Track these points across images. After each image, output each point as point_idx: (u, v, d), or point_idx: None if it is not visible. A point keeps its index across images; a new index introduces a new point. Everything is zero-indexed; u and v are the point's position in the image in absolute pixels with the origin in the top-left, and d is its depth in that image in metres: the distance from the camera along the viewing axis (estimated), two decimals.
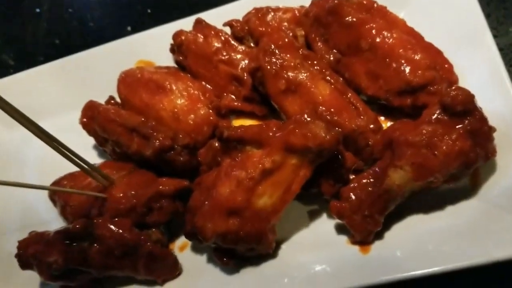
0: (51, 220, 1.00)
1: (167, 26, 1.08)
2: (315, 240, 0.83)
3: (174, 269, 0.86)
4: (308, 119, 0.78)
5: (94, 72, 1.11)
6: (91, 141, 1.05)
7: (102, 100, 1.05)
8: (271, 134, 0.79)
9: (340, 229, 0.83)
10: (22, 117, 0.72)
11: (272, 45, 0.89)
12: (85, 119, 0.99)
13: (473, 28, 0.86)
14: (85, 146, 1.07)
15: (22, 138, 1.12)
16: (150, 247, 0.83)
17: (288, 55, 0.88)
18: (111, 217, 0.86)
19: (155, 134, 0.88)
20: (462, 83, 0.86)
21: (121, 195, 0.88)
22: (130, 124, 0.91)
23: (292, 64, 0.87)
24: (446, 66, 0.86)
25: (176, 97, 0.96)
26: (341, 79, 0.88)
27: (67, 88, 1.13)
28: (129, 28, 1.27)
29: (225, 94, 0.97)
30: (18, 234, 0.98)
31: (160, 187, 0.87)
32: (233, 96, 0.97)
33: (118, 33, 1.25)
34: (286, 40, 0.89)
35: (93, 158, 1.06)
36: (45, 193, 1.00)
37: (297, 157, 0.77)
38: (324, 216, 0.86)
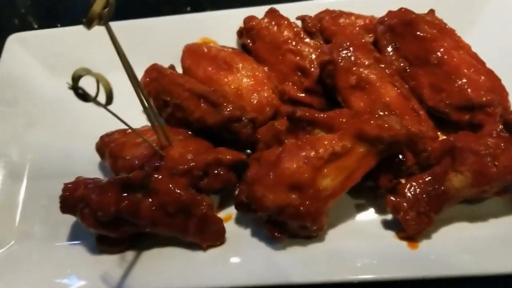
0: (90, 172, 0.99)
1: (236, 11, 1.12)
2: (362, 231, 0.86)
3: (221, 236, 0.87)
4: (382, 113, 0.83)
5: (156, 40, 1.14)
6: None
7: None
8: (344, 120, 0.83)
9: (386, 224, 0.87)
10: (120, 49, 0.73)
11: (348, 42, 0.94)
12: (148, 79, 1.01)
13: None
14: (137, 107, 1.08)
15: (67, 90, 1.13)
16: (204, 209, 0.84)
17: (361, 54, 0.93)
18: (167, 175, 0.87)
19: (225, 103, 0.90)
20: None
21: (180, 156, 0.89)
22: (200, 90, 0.93)
23: (365, 62, 0.92)
24: (504, 93, 0.93)
25: (242, 76, 0.99)
26: (406, 86, 0.93)
27: (128, 49, 1.14)
28: (188, 8, 1.30)
29: (287, 82, 1.01)
30: (58, 180, 0.98)
31: (219, 155, 0.89)
32: (294, 86, 1.01)
33: (177, 10, 1.29)
34: (362, 40, 0.95)
35: (142, 121, 1.07)
36: (90, 144, 1.00)
37: (367, 146, 0.81)
38: (371, 210, 0.89)
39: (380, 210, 0.88)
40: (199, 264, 0.85)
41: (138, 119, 1.05)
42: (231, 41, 1.12)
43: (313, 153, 0.81)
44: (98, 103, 0.63)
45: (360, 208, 0.89)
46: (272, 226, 0.84)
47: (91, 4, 0.62)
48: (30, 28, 1.34)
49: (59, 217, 0.91)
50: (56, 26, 1.32)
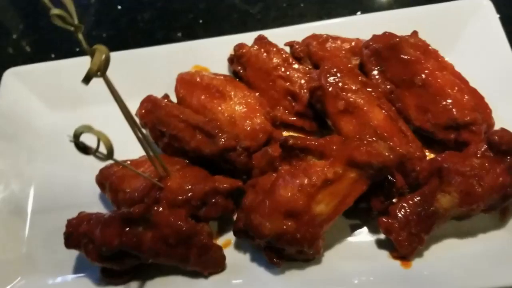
0: (91, 204, 1.03)
1: (226, 38, 1.15)
2: (357, 252, 0.90)
3: (221, 263, 0.90)
4: (370, 139, 0.87)
5: (149, 70, 1.16)
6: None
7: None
8: (334, 147, 0.86)
9: (380, 244, 0.90)
10: (116, 94, 0.76)
11: (335, 68, 0.97)
12: (143, 111, 1.03)
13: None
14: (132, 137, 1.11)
15: (66, 122, 1.16)
16: (204, 239, 0.87)
17: (348, 79, 0.96)
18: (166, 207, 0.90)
19: (219, 133, 0.93)
20: (497, 126, 0.96)
21: (178, 186, 0.93)
22: (195, 121, 0.96)
23: (352, 87, 0.95)
24: (487, 110, 0.96)
25: (235, 103, 1.02)
26: (393, 108, 0.97)
27: (121, 80, 1.17)
28: (179, 34, 1.33)
29: (278, 107, 1.04)
30: (60, 213, 1.01)
31: (217, 183, 0.92)
32: (285, 110, 1.04)
33: (169, 37, 1.32)
34: (348, 66, 0.98)
35: (139, 150, 1.10)
36: (90, 176, 1.03)
37: (357, 171, 0.84)
38: (365, 230, 0.93)
39: (373, 230, 0.92)
40: None
41: (137, 148, 1.08)
42: (222, 67, 1.15)
43: (306, 180, 0.84)
44: (99, 157, 0.66)
45: (355, 228, 0.93)
46: (270, 252, 0.87)
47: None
48: (24, 57, 1.36)
49: (64, 250, 0.94)
50: (50, 56, 1.35)
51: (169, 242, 0.87)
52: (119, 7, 1.41)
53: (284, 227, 0.84)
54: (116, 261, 0.89)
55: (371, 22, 1.11)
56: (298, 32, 1.11)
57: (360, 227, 0.93)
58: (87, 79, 0.64)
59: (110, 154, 0.66)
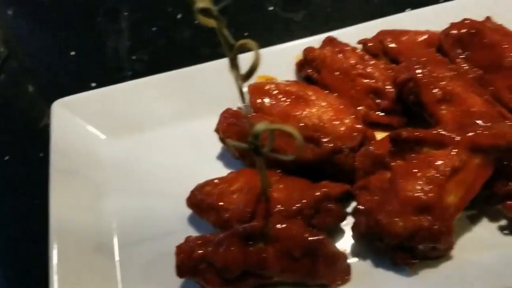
0: (180, 230, 0.94)
1: (286, 45, 1.13)
2: (484, 241, 0.86)
3: (348, 273, 0.84)
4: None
5: (210, 85, 1.11)
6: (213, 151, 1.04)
7: (218, 112, 1.04)
8: (453, 135, 0.83)
9: (503, 231, 0.87)
10: None
11: (424, 58, 0.95)
12: (225, 124, 0.98)
13: None
14: (208, 155, 1.06)
15: (127, 149, 1.09)
16: (332, 248, 0.82)
17: (440, 68, 0.94)
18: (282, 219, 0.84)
19: (322, 137, 0.89)
20: None
21: (286, 197, 0.87)
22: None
23: (446, 75, 0.94)
24: None
25: (320, 107, 0.98)
26: (487, 92, 0.96)
27: (183, 98, 1.12)
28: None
29: (361, 106, 1.01)
30: (149, 246, 0.94)
31: (327, 189, 0.87)
32: (369, 109, 1.01)
33: (214, 53, 1.27)
34: (435, 55, 0.97)
35: (220, 166, 1.04)
36: (170, 201, 0.97)
37: (482, 156, 0.81)
38: (485, 219, 0.89)
39: (493, 218, 0.89)
40: None
41: (214, 168, 1.03)
42: (287, 74, 1.11)
43: (433, 171, 0.81)
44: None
45: (474, 219, 0.89)
46: (401, 252, 0.83)
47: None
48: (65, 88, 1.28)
49: (163, 285, 0.88)
50: (90, 85, 1.28)
51: (294, 256, 0.81)
52: (154, 28, 1.36)
53: (419, 223, 0.79)
54: (238, 284, 0.81)
55: (434, 13, 1.11)
56: (360, 30, 1.10)
57: (478, 216, 0.90)
58: (249, 75, 0.58)
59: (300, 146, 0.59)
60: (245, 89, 1.03)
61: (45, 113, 1.22)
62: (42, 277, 0.88)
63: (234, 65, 0.61)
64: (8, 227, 1.08)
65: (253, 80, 1.06)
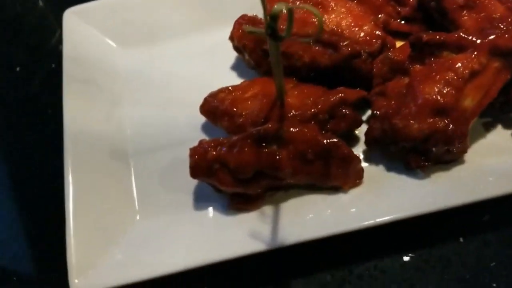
0: (193, 138, 0.93)
1: None
2: (498, 146, 0.86)
3: (361, 175, 0.85)
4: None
5: None
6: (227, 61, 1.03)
7: (232, 21, 1.01)
8: (474, 38, 0.81)
9: None
10: None
11: None
12: (241, 31, 0.96)
13: None
14: (222, 65, 1.05)
15: (141, 60, 1.08)
16: (345, 149, 0.82)
17: None
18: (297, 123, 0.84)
19: (340, 41, 0.87)
20: None
21: (300, 102, 0.87)
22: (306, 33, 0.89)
23: None
24: None
25: (339, 13, 0.95)
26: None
27: (190, 8, 1.09)
28: None
29: (381, 14, 0.98)
30: (163, 153, 0.95)
31: (343, 94, 0.86)
32: (389, 17, 0.98)
33: None
34: None
35: (234, 76, 1.03)
36: (184, 109, 0.98)
37: (501, 60, 0.80)
38: (499, 126, 0.89)
39: (507, 126, 0.88)
40: (344, 206, 0.83)
41: (228, 77, 1.02)
42: None
43: (451, 74, 0.79)
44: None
45: (488, 126, 0.89)
46: (416, 155, 0.83)
47: None
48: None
49: (176, 188, 0.90)
50: None
51: (307, 158, 0.81)
52: None
53: (435, 125, 0.79)
54: (251, 184, 0.82)
55: None
56: None
57: (493, 123, 0.89)
58: None
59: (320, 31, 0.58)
60: None
61: (56, 28, 1.21)
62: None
63: None
64: (22, 139, 1.09)
65: None
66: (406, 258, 0.84)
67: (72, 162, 0.90)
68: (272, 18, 0.57)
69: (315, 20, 0.95)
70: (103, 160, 0.93)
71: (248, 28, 0.67)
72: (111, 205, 0.88)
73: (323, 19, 0.95)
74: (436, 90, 0.79)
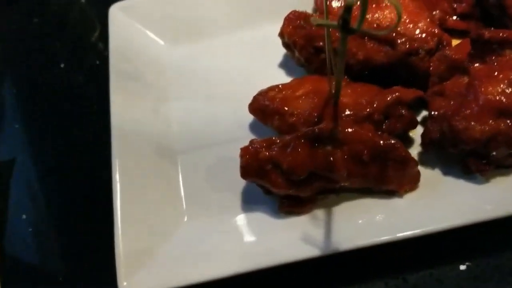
0: (242, 137, 0.91)
1: None
2: None
3: (418, 179, 0.82)
4: None
5: None
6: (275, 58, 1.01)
7: (281, 17, 0.99)
8: None
9: None
10: None
11: None
12: (291, 27, 0.93)
13: None
14: (270, 62, 1.03)
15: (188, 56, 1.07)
16: (403, 152, 0.79)
17: None
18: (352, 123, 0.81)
19: (397, 38, 0.84)
20: None
21: (354, 102, 0.84)
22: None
23: None
24: None
25: (393, 10, 0.92)
26: None
27: (238, 4, 1.08)
28: None
29: (436, 11, 0.95)
30: (210, 151, 0.93)
31: (399, 94, 0.83)
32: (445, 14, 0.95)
33: None
34: None
35: (282, 74, 1.01)
36: (231, 107, 0.97)
37: None
38: None
39: None
40: (400, 211, 0.80)
41: (276, 75, 1.00)
42: None
43: None
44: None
45: None
46: (475, 159, 0.79)
47: None
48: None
49: (223, 188, 0.88)
50: None
51: (362, 160, 0.79)
52: None
53: (497, 127, 0.75)
54: (304, 186, 0.80)
55: None
56: None
57: None
58: None
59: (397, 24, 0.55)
60: None
61: (97, 24, 1.22)
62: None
63: None
64: (69, 136, 1.09)
65: None
66: (462, 267, 0.80)
67: (120, 162, 0.88)
68: (347, 9, 0.55)
69: (370, 16, 0.93)
70: (150, 158, 0.92)
71: (316, 20, 0.64)
72: (160, 205, 0.86)
73: (377, 15, 0.92)
74: (499, 90, 0.76)
